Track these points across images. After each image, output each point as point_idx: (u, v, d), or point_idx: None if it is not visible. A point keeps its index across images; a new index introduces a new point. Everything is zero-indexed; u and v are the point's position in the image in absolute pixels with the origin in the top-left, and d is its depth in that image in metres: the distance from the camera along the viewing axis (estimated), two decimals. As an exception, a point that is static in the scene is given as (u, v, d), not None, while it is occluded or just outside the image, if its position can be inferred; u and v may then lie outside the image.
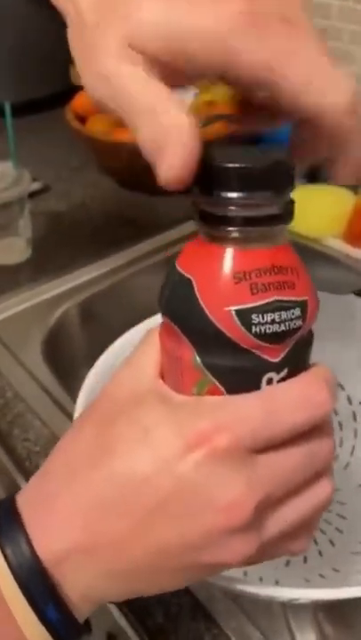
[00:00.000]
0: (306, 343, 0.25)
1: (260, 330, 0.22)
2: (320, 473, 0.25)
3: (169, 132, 0.22)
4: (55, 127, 0.90)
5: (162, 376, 0.26)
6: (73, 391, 0.47)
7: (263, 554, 0.25)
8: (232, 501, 0.22)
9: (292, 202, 0.23)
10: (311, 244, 0.69)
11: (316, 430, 0.24)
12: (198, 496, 0.23)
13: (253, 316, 0.22)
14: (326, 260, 0.68)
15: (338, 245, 0.69)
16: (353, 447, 0.45)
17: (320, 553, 0.40)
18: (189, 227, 0.74)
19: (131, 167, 0.77)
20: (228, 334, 0.23)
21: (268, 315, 0.22)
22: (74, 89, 0.91)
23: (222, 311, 0.22)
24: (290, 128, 0.26)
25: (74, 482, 0.24)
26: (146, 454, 0.23)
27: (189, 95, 0.82)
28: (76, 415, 0.35)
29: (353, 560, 0.40)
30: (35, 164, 0.75)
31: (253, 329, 0.22)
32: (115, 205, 0.82)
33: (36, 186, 0.82)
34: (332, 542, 0.41)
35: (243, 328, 0.22)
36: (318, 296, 0.25)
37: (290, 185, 0.23)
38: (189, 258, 0.24)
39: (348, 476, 0.44)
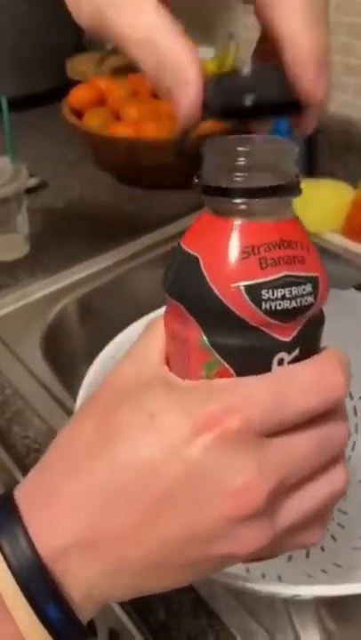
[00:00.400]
0: (318, 322, 0.24)
1: (271, 306, 0.22)
2: (335, 458, 0.24)
3: (175, 74, 0.24)
4: (52, 122, 0.90)
5: (167, 364, 0.25)
6: (72, 388, 0.47)
7: (276, 546, 0.24)
8: (243, 487, 0.21)
9: (297, 175, 0.23)
10: (310, 238, 0.69)
11: (330, 414, 0.23)
12: (207, 481, 0.21)
13: (263, 292, 0.21)
14: (326, 255, 0.68)
15: (337, 240, 0.69)
16: (354, 443, 0.45)
17: (322, 548, 0.40)
18: (188, 221, 0.73)
19: (128, 162, 0.76)
20: (237, 311, 0.22)
21: (279, 290, 0.22)
22: (70, 84, 0.90)
23: (231, 287, 0.21)
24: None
25: (74, 474, 0.23)
26: (152, 440, 0.22)
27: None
28: (76, 412, 0.35)
29: (355, 555, 0.40)
30: (32, 160, 0.75)
31: (263, 305, 0.21)
32: (112, 200, 0.81)
33: (33, 182, 0.82)
34: (333, 537, 0.41)
35: (252, 304, 0.21)
36: None
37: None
38: (195, 236, 0.23)
39: (350, 472, 0.44)
